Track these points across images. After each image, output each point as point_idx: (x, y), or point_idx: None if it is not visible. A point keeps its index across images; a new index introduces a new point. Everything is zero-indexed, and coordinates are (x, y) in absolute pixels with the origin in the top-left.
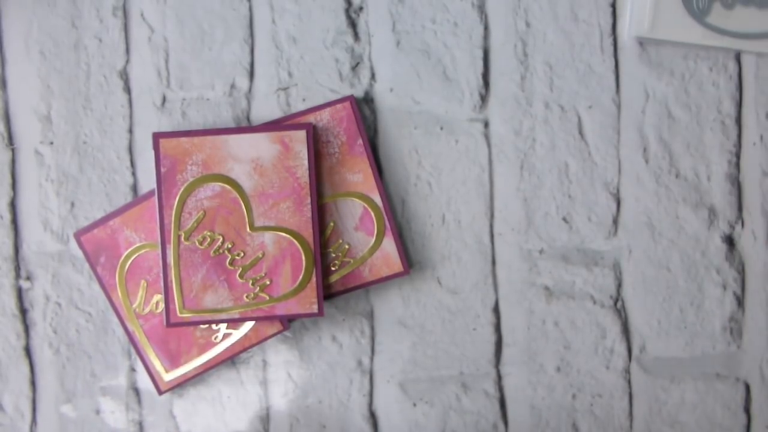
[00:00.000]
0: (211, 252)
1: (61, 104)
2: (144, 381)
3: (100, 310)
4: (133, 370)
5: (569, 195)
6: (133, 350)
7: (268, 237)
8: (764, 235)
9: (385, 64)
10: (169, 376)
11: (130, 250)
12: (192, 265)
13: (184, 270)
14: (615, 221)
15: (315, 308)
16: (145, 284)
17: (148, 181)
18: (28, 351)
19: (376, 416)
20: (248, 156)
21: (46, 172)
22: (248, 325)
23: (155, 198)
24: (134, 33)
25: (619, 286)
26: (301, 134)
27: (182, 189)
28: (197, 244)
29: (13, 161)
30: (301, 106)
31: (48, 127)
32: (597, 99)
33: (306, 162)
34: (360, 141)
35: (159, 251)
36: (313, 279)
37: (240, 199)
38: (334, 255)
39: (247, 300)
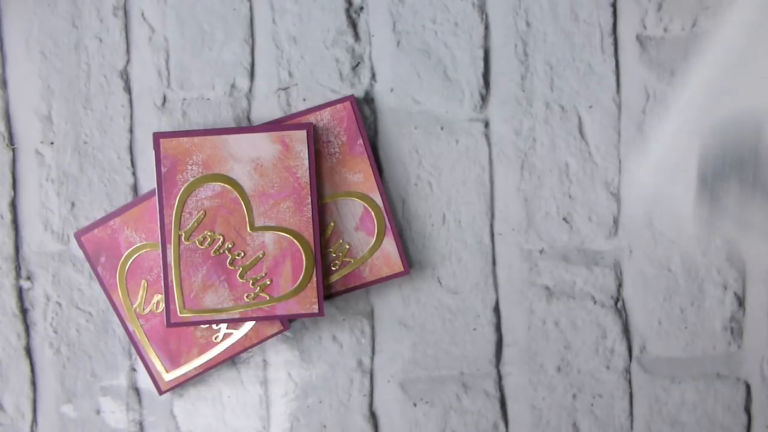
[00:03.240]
0: (212, 252)
1: (61, 104)
2: (144, 381)
3: (100, 310)
4: (133, 370)
5: (569, 195)
6: (133, 350)
7: (268, 237)
8: None
9: (386, 64)
10: (169, 376)
11: (130, 250)
12: (192, 265)
13: (184, 270)
14: (615, 221)
15: (315, 308)
16: (146, 284)
17: (148, 181)
18: (28, 351)
19: (377, 416)
20: (248, 156)
21: (46, 172)
22: (248, 325)
23: (155, 198)
24: (135, 33)
25: (620, 286)
26: (302, 134)
27: (182, 189)
28: (197, 244)
29: (14, 161)
30: (301, 106)
31: (48, 127)
32: (597, 99)
33: (306, 162)
34: (360, 141)
35: (159, 251)
36: (314, 279)
37: (240, 199)
38: (334, 255)
39: (248, 300)
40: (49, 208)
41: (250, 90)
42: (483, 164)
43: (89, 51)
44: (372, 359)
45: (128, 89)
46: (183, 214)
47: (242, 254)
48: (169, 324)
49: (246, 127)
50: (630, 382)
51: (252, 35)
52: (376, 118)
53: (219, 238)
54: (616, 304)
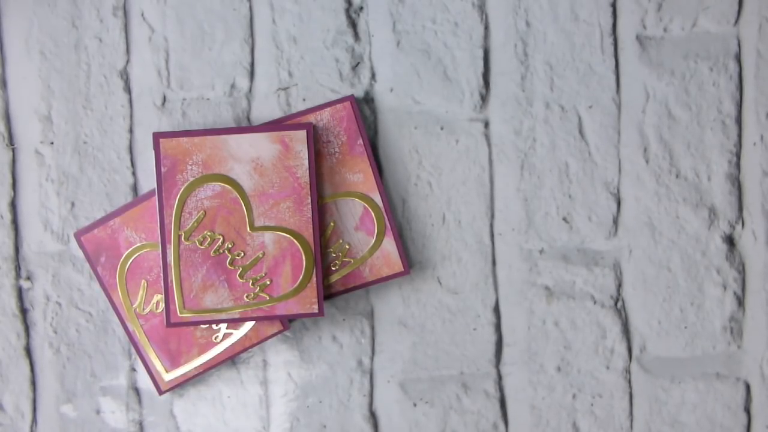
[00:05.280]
0: (212, 252)
1: (61, 104)
2: (144, 381)
3: (100, 310)
4: (133, 370)
5: (569, 195)
6: (133, 350)
7: (268, 237)
8: (764, 235)
9: (386, 64)
10: (169, 376)
11: (130, 250)
12: (192, 265)
13: (184, 270)
14: (615, 221)
15: (315, 308)
16: (146, 284)
17: (148, 181)
18: (28, 351)
19: (377, 416)
20: (248, 156)
21: (46, 172)
22: (248, 325)
23: (155, 198)
24: (134, 33)
25: (620, 286)
26: (302, 134)
27: (182, 189)
28: (197, 244)
29: (14, 161)
30: (301, 106)
31: (48, 127)
32: (597, 99)
33: (306, 162)
34: (360, 141)
35: (159, 251)
36: (314, 279)
37: (240, 199)
38: (334, 255)
39: (248, 300)
40: (49, 208)
41: (250, 90)
42: (483, 164)
43: (89, 51)
44: (372, 359)
45: (128, 89)
46: (183, 214)
47: (242, 254)
48: (169, 324)
49: (246, 127)
50: (630, 382)
51: (252, 35)
52: (376, 118)
53: (219, 238)
54: (615, 304)
